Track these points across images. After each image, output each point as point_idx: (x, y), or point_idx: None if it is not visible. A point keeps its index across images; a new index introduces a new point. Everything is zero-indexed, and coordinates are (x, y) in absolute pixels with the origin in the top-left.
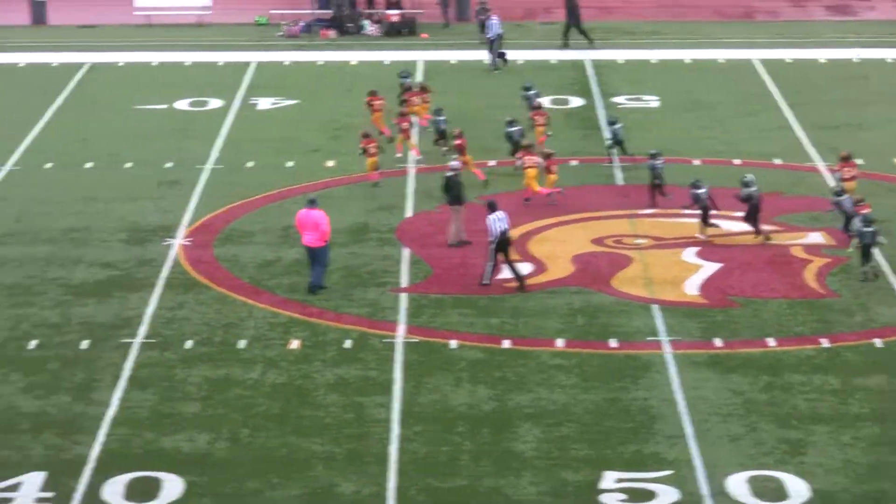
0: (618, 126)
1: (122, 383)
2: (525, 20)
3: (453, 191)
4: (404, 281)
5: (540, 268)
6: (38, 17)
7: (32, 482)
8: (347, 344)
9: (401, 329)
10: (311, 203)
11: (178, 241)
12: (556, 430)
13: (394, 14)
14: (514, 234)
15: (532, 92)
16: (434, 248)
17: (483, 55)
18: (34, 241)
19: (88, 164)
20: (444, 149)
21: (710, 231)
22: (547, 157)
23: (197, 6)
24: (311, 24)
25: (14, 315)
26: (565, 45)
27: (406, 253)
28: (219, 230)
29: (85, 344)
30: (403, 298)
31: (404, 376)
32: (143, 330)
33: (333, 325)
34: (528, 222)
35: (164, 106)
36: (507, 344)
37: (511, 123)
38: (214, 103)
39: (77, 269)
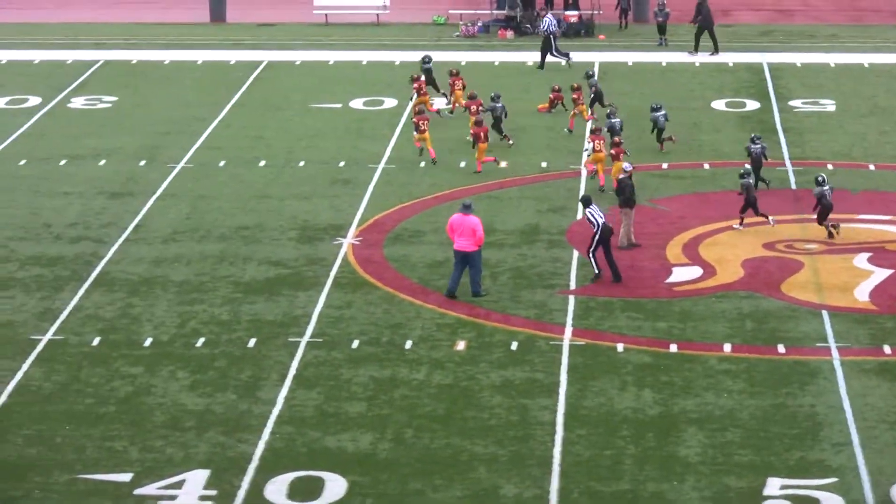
0: (661, 113)
1: (288, 382)
2: None
3: (625, 193)
4: (573, 283)
5: (710, 272)
6: (218, 14)
7: (196, 480)
8: (514, 346)
9: (568, 331)
10: (466, 208)
11: (348, 241)
12: (721, 436)
13: (572, 15)
14: (685, 236)
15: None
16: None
17: (661, 56)
18: (205, 238)
19: (262, 162)
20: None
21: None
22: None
23: (375, 5)
24: (489, 24)
25: (183, 312)
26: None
27: (575, 255)
28: (389, 229)
29: (252, 342)
30: (571, 301)
31: (570, 379)
32: (310, 329)
33: (500, 327)
34: (699, 225)
35: (339, 105)
36: (674, 348)
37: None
38: (389, 102)
39: (247, 267)
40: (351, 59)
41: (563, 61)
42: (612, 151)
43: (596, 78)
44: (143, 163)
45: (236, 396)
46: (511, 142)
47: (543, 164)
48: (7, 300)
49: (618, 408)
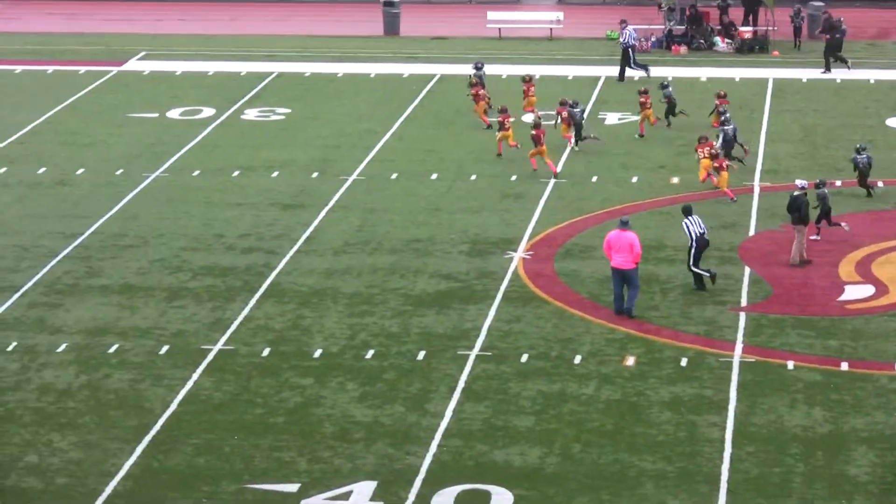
0: (670, 89)
1: (456, 395)
2: (877, 39)
3: (799, 210)
4: (744, 300)
5: (882, 290)
6: (391, 28)
7: (363, 491)
8: (683, 362)
9: (738, 348)
10: (624, 224)
11: (519, 255)
12: (892, 455)
13: (746, 31)
14: (858, 254)
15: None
16: (775, 268)
17: (834, 73)
18: (376, 250)
19: (434, 175)
20: (592, 136)
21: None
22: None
23: (549, 19)
24: (663, 40)
25: (353, 324)
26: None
27: (747, 272)
28: (560, 244)
29: (422, 354)
30: (742, 317)
31: (739, 396)
32: (479, 342)
33: (670, 343)
34: (872, 243)
35: (512, 119)
36: (845, 366)
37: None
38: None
39: (418, 280)
40: (523, 72)
41: (643, 74)
42: (716, 164)
43: (671, 88)
44: (315, 175)
45: (405, 409)
46: (599, 139)
47: (715, 180)
48: (179, 310)
49: (787, 425)
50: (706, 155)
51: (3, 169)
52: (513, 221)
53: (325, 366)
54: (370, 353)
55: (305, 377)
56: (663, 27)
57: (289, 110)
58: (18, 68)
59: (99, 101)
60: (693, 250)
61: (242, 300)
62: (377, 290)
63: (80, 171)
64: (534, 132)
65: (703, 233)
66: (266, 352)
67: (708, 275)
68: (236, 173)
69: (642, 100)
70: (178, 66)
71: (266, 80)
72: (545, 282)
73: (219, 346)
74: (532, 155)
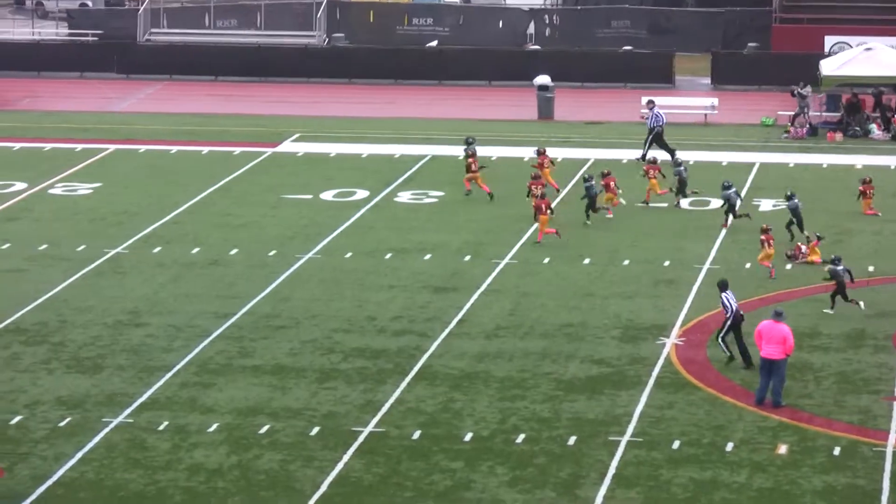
0: (731, 191)
1: (607, 481)
2: None
3: None
4: None
5: None
6: (546, 112)
7: None
8: (836, 451)
9: (891, 438)
10: (778, 315)
11: (672, 340)
12: None
13: None
14: None
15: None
16: None
17: None
18: (528, 334)
19: (586, 260)
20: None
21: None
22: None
23: (704, 105)
24: (818, 127)
25: (504, 408)
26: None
27: None
28: (712, 330)
29: (572, 440)
30: None
31: (892, 486)
32: (631, 428)
33: (823, 431)
34: None
35: (665, 205)
36: None
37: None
38: (716, 203)
39: (570, 365)
40: (679, 158)
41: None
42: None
43: (683, 167)
44: (467, 258)
45: (555, 494)
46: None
47: (870, 269)
48: (330, 391)
49: None
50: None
51: (158, 248)
52: (665, 307)
53: (476, 449)
54: (521, 437)
55: (456, 460)
56: (819, 113)
57: (442, 193)
58: (174, 148)
59: (253, 181)
60: (729, 324)
61: (394, 382)
62: (528, 374)
63: (233, 252)
64: (535, 202)
65: (738, 308)
66: (417, 434)
67: (728, 354)
68: (389, 255)
69: (646, 168)
70: (333, 148)
71: (420, 163)
72: (697, 368)
73: (370, 427)
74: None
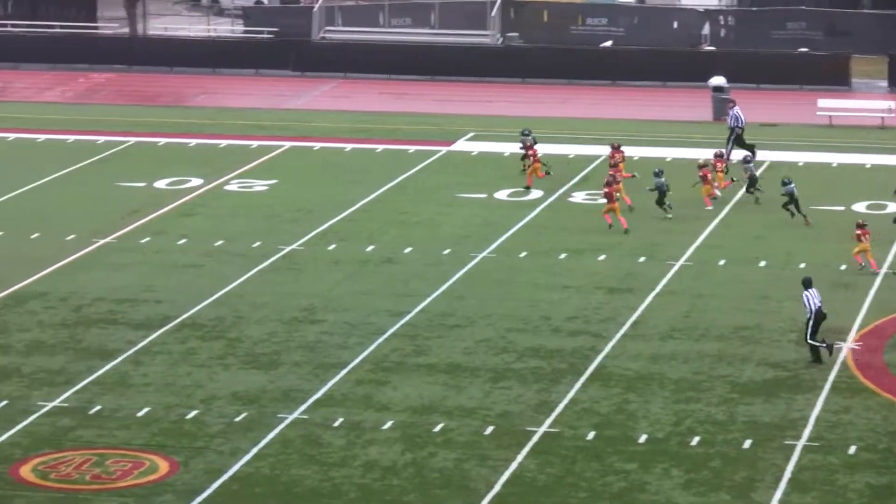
0: (791, 185)
1: (782, 485)
2: None
3: None
4: None
5: None
6: (720, 113)
7: None
8: None
9: None
10: None
11: (848, 345)
12: None
13: None
14: None
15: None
16: None
17: None
18: (703, 336)
19: (762, 263)
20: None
21: None
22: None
23: (881, 108)
24: None
25: (679, 410)
26: None
27: None
28: (890, 335)
29: (748, 443)
30: None
31: None
32: (807, 432)
33: None
34: None
35: (842, 207)
36: None
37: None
38: (892, 207)
39: (745, 368)
40: (854, 161)
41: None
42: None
43: (752, 164)
44: (642, 259)
45: (730, 497)
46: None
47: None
48: (504, 391)
49: None
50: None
51: (333, 245)
52: (842, 311)
53: (650, 451)
54: (696, 439)
55: (630, 462)
56: None
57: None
58: (349, 146)
59: (427, 180)
60: (811, 323)
61: (568, 383)
62: (704, 376)
63: (408, 250)
64: (606, 189)
65: (821, 306)
66: (591, 435)
67: (824, 346)
68: (563, 255)
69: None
70: (507, 148)
71: (594, 164)
72: (874, 373)
73: (544, 428)
74: (606, 211)
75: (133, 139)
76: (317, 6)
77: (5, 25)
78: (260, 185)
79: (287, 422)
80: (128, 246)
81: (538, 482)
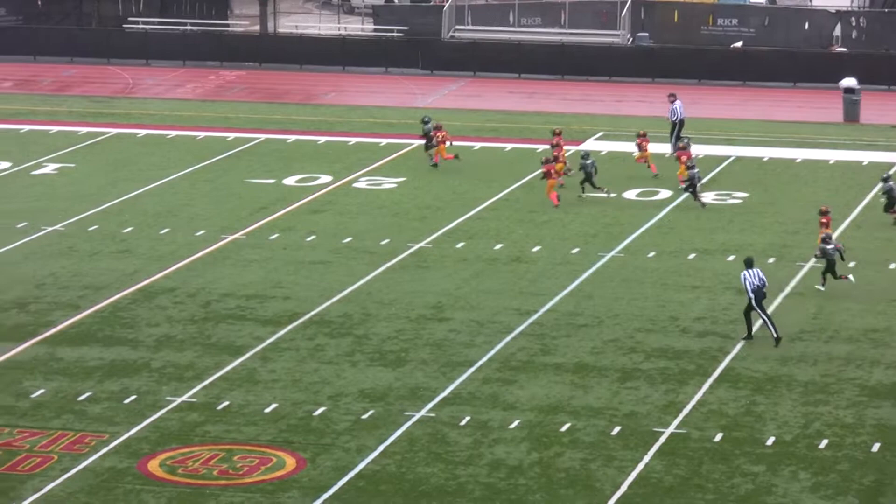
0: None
1: None
2: None
3: None
4: None
5: None
6: (851, 115)
7: None
8: None
9: None
10: None
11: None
12: None
13: None
14: None
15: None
16: None
17: None
18: (833, 339)
19: (892, 265)
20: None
21: None
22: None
23: None
24: None
25: (807, 412)
26: None
27: None
28: None
29: (876, 447)
30: None
31: None
32: None
33: None
34: None
35: None
36: None
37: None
38: None
39: (874, 371)
40: None
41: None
42: None
43: (892, 183)
44: (771, 260)
45: (858, 501)
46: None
47: None
48: (632, 391)
49: None
50: None
51: (461, 244)
52: None
53: (778, 454)
54: (824, 442)
55: (757, 464)
56: None
57: (746, 194)
58: (477, 145)
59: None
60: (753, 300)
61: (696, 384)
62: (832, 379)
63: (535, 249)
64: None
65: (763, 286)
66: (718, 437)
67: (748, 327)
68: (692, 256)
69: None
70: (636, 148)
71: (724, 164)
72: None
73: (671, 429)
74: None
75: (263, 136)
76: (447, 5)
77: (136, 23)
78: (388, 183)
79: (414, 419)
80: (256, 242)
81: (664, 483)
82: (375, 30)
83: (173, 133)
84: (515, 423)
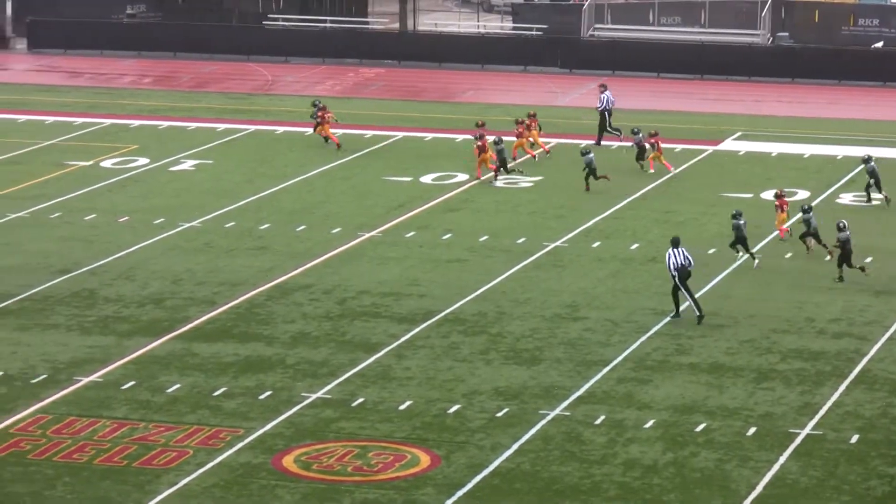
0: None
1: None
2: None
3: None
4: None
5: None
6: None
7: None
8: None
9: None
10: None
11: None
12: None
13: None
14: None
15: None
16: None
17: None
18: None
19: None
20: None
21: None
22: None
23: None
24: None
25: None
26: None
27: None
28: None
29: None
30: None
31: None
32: None
33: None
34: None
35: None
36: None
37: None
38: None
39: None
40: None
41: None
42: None
43: (641, 135)
44: None
45: None
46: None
47: None
48: (768, 392)
49: None
50: None
51: (598, 243)
52: None
53: None
54: None
55: (894, 466)
56: None
57: (883, 195)
58: (614, 144)
59: (693, 179)
60: (677, 278)
61: (832, 385)
62: None
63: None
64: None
65: (687, 265)
66: (854, 439)
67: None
68: (829, 258)
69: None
70: (774, 148)
71: (863, 165)
72: None
73: (807, 430)
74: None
75: (400, 134)
76: (586, 4)
77: (276, 20)
78: (525, 182)
79: (548, 418)
80: (392, 240)
81: (800, 484)
82: (514, 28)
83: (310, 130)
84: (650, 423)
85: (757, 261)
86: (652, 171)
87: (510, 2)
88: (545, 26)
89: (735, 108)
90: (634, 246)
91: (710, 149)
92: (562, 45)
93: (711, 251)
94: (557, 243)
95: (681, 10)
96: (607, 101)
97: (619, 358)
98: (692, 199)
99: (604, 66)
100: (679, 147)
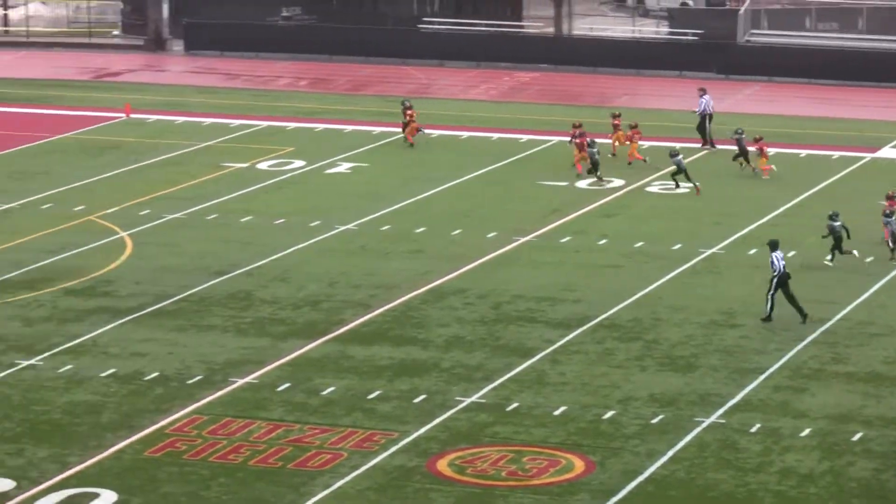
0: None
1: None
2: None
3: None
4: None
5: None
6: None
7: None
8: None
9: None
10: None
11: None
12: None
13: None
14: None
15: None
16: None
17: None
18: None
19: None
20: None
21: None
22: None
23: None
24: None
25: None
26: None
27: None
28: None
29: None
30: None
31: None
32: None
33: None
34: None
35: None
36: None
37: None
38: None
39: None
40: None
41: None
42: None
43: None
44: None
45: None
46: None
47: None
48: None
49: None
50: None
51: (754, 250)
52: None
53: None
54: None
55: None
56: None
57: None
58: (772, 150)
59: (851, 186)
60: (775, 280)
61: None
62: None
63: (828, 257)
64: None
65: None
66: None
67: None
68: None
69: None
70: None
71: None
72: None
73: None
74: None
75: (556, 138)
76: (743, 9)
77: (431, 23)
78: (681, 188)
79: (704, 425)
80: (548, 245)
81: None
82: (670, 33)
83: (466, 134)
84: (806, 432)
85: (856, 253)
86: (766, 177)
87: (666, 7)
88: (701, 31)
89: (893, 115)
90: (791, 253)
91: (868, 156)
92: (717, 51)
93: (868, 259)
94: (714, 250)
95: (838, 15)
96: (707, 105)
97: (776, 366)
98: (848, 207)
99: (760, 71)
100: (836, 154)
